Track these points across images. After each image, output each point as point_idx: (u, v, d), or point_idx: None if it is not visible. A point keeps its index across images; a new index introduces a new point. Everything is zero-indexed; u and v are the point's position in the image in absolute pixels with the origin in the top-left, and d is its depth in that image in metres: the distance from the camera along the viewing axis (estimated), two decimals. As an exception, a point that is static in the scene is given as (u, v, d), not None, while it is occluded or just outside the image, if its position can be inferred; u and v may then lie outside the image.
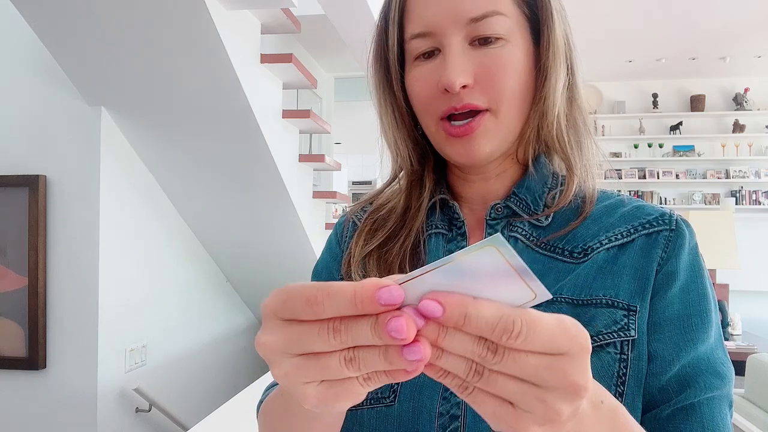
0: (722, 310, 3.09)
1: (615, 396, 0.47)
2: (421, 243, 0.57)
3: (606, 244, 0.53)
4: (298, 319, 0.28)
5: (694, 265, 0.53)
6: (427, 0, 0.52)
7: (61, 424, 1.72)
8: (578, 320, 0.48)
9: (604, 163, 0.60)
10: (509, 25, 0.51)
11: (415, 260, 0.57)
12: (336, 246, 0.64)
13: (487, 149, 0.53)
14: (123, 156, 1.86)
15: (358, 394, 0.29)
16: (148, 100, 1.74)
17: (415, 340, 0.26)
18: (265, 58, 1.92)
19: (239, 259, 2.57)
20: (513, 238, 0.55)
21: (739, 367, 2.42)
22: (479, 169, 0.58)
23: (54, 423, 1.72)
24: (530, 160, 0.57)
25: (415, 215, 0.58)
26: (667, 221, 0.54)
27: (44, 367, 1.70)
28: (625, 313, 0.50)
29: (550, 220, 0.55)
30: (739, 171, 6.15)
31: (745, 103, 6.08)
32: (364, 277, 0.57)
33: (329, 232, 0.91)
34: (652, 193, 6.49)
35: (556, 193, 0.56)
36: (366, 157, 7.95)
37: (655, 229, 0.54)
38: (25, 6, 1.45)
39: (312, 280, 0.67)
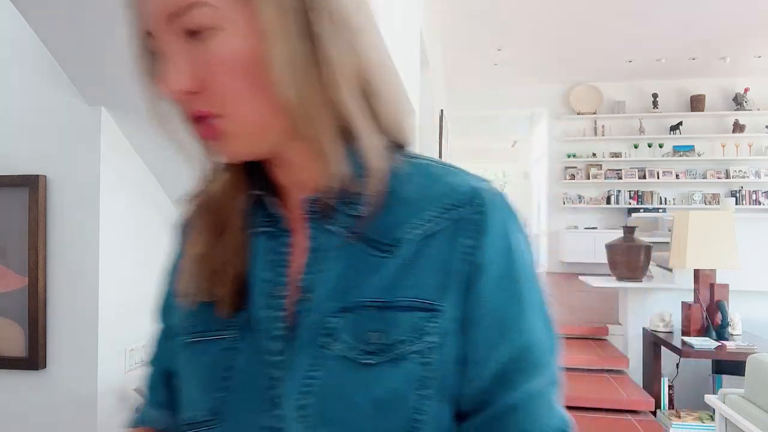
0: (722, 310, 3.09)
1: (418, 401, 0.44)
2: (247, 243, 0.52)
3: (412, 232, 0.47)
4: None
5: (504, 248, 0.46)
6: None
7: (61, 424, 1.72)
8: (383, 326, 0.45)
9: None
10: (214, 13, 0.43)
11: (240, 261, 0.51)
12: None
13: (239, 149, 0.47)
14: (123, 156, 1.86)
15: None
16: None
17: None
18: (265, 58, 1.92)
19: (239, 259, 2.57)
20: (329, 232, 0.48)
21: (739, 367, 2.42)
22: (273, 161, 0.51)
23: (54, 423, 1.72)
24: (336, 144, 0.48)
25: (236, 213, 0.52)
26: (474, 202, 0.47)
27: (44, 367, 1.70)
28: (428, 315, 0.45)
29: (366, 207, 0.47)
30: (739, 171, 6.16)
31: (745, 103, 6.09)
32: (192, 291, 0.52)
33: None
34: (652, 193, 6.48)
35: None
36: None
37: (462, 211, 0.47)
38: (25, 6, 1.45)
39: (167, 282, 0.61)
